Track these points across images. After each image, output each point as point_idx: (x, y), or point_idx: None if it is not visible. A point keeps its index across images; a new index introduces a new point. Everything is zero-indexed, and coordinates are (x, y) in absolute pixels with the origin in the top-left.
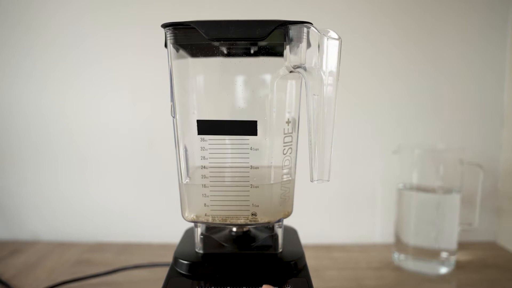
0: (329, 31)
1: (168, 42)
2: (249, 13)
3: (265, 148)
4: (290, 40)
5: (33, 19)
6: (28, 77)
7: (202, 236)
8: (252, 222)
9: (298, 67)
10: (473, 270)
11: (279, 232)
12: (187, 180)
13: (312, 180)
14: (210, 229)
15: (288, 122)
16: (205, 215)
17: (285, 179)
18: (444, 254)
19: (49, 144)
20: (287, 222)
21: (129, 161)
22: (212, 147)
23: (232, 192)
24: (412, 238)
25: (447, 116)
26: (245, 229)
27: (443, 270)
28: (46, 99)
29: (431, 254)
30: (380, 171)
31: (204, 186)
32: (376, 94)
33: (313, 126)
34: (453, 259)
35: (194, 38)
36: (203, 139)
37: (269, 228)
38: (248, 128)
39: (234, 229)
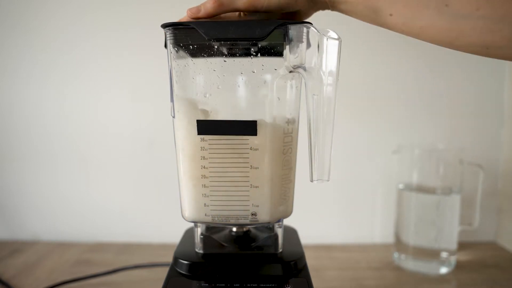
0: (328, 31)
1: (168, 42)
2: None
3: (265, 148)
4: (290, 40)
5: (33, 19)
6: (28, 77)
7: (202, 236)
8: (252, 222)
9: (298, 67)
10: (473, 270)
11: (279, 232)
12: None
13: (312, 180)
14: (210, 229)
15: (288, 122)
16: (205, 215)
17: (285, 179)
18: (444, 254)
19: (49, 144)
20: (287, 222)
21: (129, 161)
22: (212, 147)
23: (232, 192)
24: (412, 238)
25: (447, 116)
26: (245, 229)
27: (443, 270)
28: (46, 99)
29: (431, 254)
30: (380, 171)
31: (204, 186)
32: (376, 94)
33: (313, 126)
34: (453, 259)
35: (194, 38)
36: (203, 139)
37: (269, 228)
38: (248, 128)
39: (234, 229)
